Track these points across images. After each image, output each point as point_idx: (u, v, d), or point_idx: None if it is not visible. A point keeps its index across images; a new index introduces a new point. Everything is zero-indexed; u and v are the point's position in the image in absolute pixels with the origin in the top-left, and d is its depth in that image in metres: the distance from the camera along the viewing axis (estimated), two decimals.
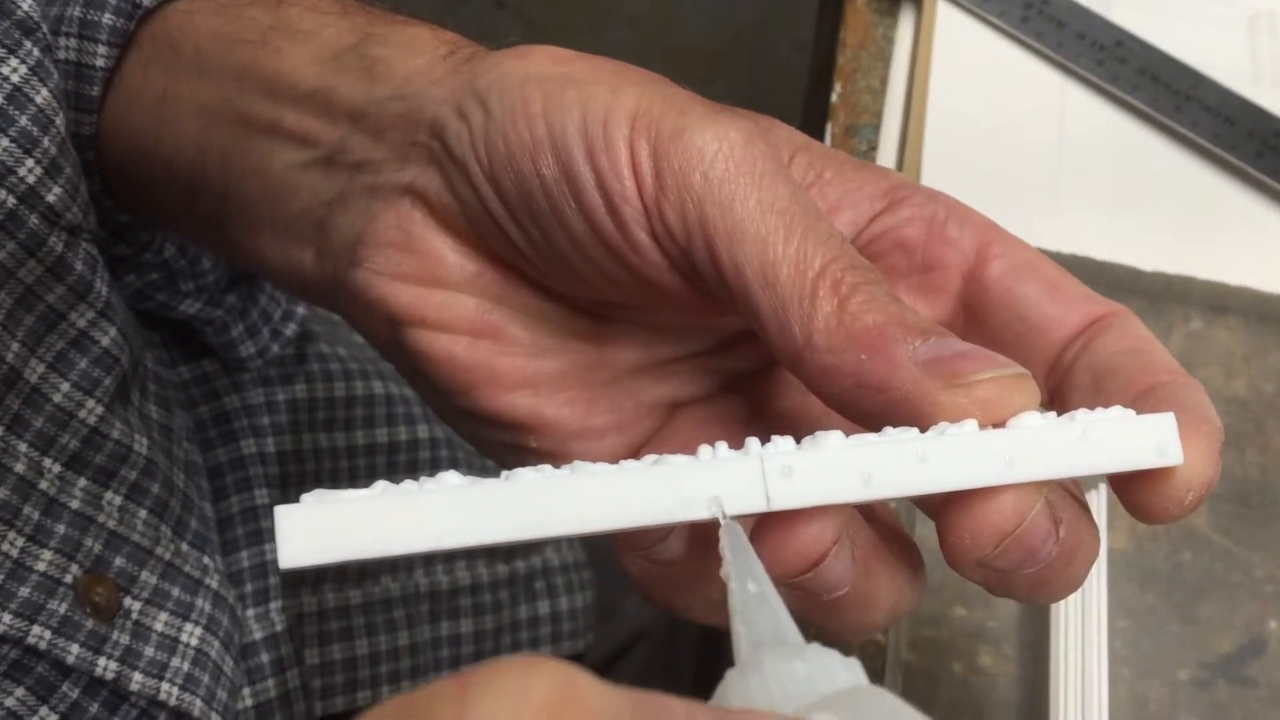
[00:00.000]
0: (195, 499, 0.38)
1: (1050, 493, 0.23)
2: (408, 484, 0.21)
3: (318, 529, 0.20)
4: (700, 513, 0.21)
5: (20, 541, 0.31)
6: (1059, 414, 0.23)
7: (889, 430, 0.22)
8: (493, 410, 0.27)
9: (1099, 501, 0.36)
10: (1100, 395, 0.25)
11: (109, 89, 0.32)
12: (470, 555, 0.48)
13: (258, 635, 0.40)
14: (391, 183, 0.27)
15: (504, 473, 0.22)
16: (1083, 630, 0.34)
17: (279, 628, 0.40)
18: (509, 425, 0.28)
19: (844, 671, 0.18)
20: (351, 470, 0.46)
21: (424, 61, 0.28)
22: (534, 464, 0.23)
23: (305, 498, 0.21)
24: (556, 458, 0.27)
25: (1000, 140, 0.43)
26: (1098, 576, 0.35)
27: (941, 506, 0.23)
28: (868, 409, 0.23)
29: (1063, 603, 0.34)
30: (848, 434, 0.23)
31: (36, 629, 0.31)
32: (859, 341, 0.23)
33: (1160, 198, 0.42)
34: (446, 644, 0.48)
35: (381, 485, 0.21)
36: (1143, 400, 0.24)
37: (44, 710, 0.31)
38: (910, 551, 0.26)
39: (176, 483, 0.36)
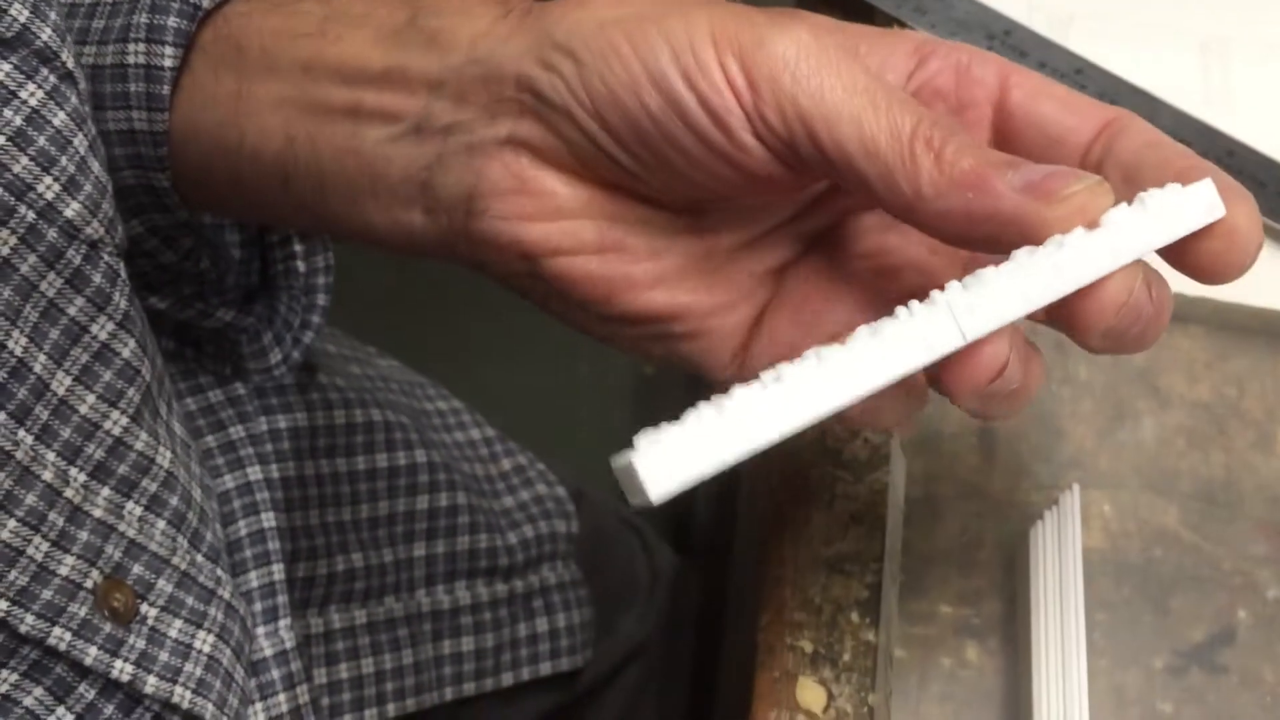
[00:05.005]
0: (210, 514, 0.39)
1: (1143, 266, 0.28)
2: (707, 406, 0.25)
3: (665, 463, 0.24)
4: (921, 361, 0.26)
5: (45, 546, 0.32)
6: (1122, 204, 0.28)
7: (1016, 254, 0.27)
8: (635, 310, 0.31)
9: (1073, 501, 0.38)
10: (1132, 187, 0.29)
11: (180, 92, 0.34)
12: (472, 574, 0.50)
13: (268, 652, 0.41)
14: (489, 138, 0.30)
15: (764, 376, 0.26)
16: (1062, 624, 0.36)
17: (288, 645, 0.41)
18: (652, 320, 0.32)
19: None
20: (354, 494, 0.47)
21: (485, 24, 0.31)
22: (679, 347, 0.31)
23: (639, 443, 0.24)
24: (699, 336, 0.32)
25: None
26: (1074, 573, 0.36)
27: (1062, 301, 0.28)
28: (983, 236, 0.28)
29: (1042, 598, 0.36)
30: (928, 261, 0.30)
31: (57, 630, 0.32)
32: (962, 184, 0.27)
33: None
34: (449, 662, 0.49)
35: (694, 412, 0.25)
36: (1172, 181, 0.29)
37: (61, 710, 0.32)
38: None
39: (195, 496, 0.37)
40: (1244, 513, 0.39)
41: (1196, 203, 0.28)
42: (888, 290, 0.33)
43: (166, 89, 0.34)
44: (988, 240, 0.28)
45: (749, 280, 0.33)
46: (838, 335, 0.32)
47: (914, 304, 0.27)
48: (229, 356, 0.43)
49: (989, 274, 0.27)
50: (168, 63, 0.33)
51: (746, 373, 0.33)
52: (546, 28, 0.30)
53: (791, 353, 0.32)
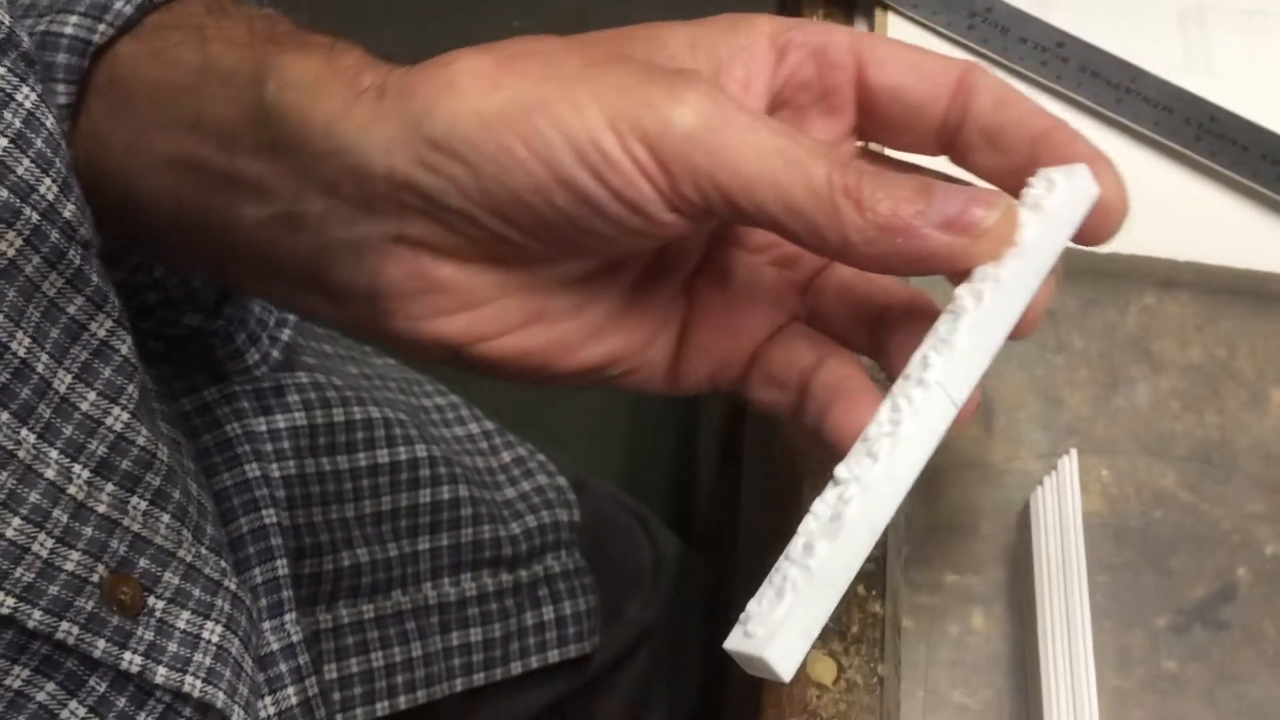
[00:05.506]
0: (209, 508, 0.39)
1: None
2: (792, 569, 0.27)
3: (787, 645, 0.27)
4: (934, 444, 0.29)
5: (50, 543, 0.32)
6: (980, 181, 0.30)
7: (959, 295, 0.29)
8: (575, 370, 0.31)
9: (1071, 466, 0.38)
10: (998, 152, 0.31)
11: (80, 132, 0.33)
12: (476, 566, 0.50)
13: (275, 646, 0.41)
14: (374, 235, 0.29)
15: (820, 512, 0.28)
16: (1065, 587, 0.36)
17: (295, 639, 0.41)
18: (594, 371, 0.32)
19: None
20: (356, 491, 0.47)
21: (338, 104, 0.29)
22: (618, 382, 0.31)
23: (756, 631, 0.27)
24: (635, 371, 0.32)
25: None
26: (1075, 537, 0.37)
27: None
28: (915, 271, 0.29)
29: (1045, 564, 0.37)
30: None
31: (65, 625, 0.32)
32: (887, 230, 0.28)
33: None
34: (458, 653, 0.49)
35: (784, 581, 0.27)
36: (1036, 147, 0.30)
37: (73, 704, 0.33)
38: None
39: (192, 491, 0.37)
40: (1240, 472, 0.40)
41: (1082, 192, 0.30)
42: (793, 278, 0.34)
43: (64, 125, 0.33)
44: (919, 273, 0.29)
45: (664, 305, 0.33)
46: (770, 338, 0.33)
47: (913, 392, 0.28)
48: (205, 362, 0.43)
49: (954, 339, 0.29)
50: (61, 100, 0.33)
51: (681, 386, 0.33)
52: (415, 119, 0.28)
53: (726, 361, 0.33)
